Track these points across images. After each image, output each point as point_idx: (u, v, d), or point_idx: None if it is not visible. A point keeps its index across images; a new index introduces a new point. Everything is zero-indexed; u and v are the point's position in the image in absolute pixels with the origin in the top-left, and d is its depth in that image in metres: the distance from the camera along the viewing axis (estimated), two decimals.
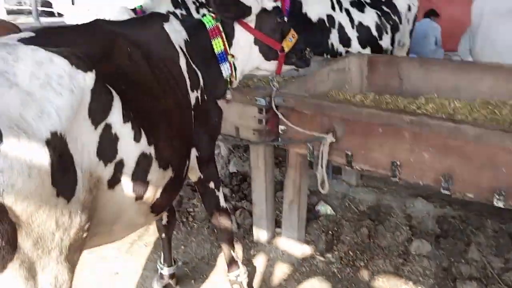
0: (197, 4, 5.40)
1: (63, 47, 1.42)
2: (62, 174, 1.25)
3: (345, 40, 4.24)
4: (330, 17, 4.16)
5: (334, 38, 4.20)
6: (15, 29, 3.76)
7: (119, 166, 1.54)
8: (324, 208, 3.64)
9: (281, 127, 2.82)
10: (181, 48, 2.13)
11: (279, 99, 2.72)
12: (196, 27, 2.35)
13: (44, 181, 1.18)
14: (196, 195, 3.74)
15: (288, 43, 2.55)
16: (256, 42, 2.45)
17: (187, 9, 5.28)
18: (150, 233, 3.36)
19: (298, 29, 3.71)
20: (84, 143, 1.37)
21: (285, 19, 3.64)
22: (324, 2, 4.18)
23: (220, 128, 2.45)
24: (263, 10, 2.45)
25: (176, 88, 1.98)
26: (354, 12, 4.31)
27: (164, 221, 2.68)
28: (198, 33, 2.32)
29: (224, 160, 4.33)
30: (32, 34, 1.53)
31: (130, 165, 1.58)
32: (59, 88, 1.28)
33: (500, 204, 2.17)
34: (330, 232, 3.32)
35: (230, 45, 2.36)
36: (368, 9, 4.39)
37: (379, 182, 3.98)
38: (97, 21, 1.89)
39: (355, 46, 4.28)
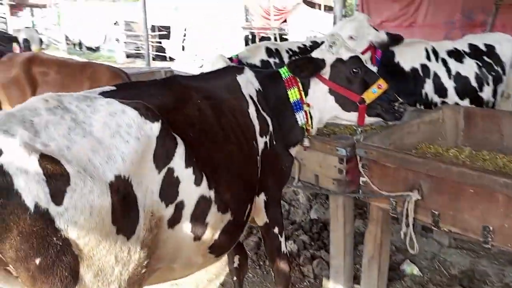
0: (291, 53, 5.61)
1: (137, 100, 1.59)
2: (124, 213, 1.38)
3: (441, 90, 4.06)
4: (424, 67, 4.03)
5: (428, 88, 4.05)
6: (122, 74, 4.23)
7: (179, 207, 1.66)
8: (410, 268, 3.40)
9: (362, 179, 2.74)
10: (251, 97, 2.25)
11: (360, 151, 2.67)
12: (271, 78, 2.47)
13: (105, 219, 1.32)
14: None
15: (371, 94, 2.43)
16: (331, 92, 2.43)
17: (281, 58, 5.50)
18: (227, 274, 3.40)
19: (389, 78, 3.68)
20: (148, 185, 1.51)
21: (372, 69, 3.63)
22: (418, 52, 4.07)
23: (289, 174, 2.48)
24: (338, 60, 2.41)
25: (241, 135, 2.08)
26: (451, 62, 4.13)
27: (236, 264, 2.72)
28: (273, 83, 2.44)
29: (305, 206, 4.29)
30: (113, 88, 1.75)
31: (189, 206, 1.69)
32: (127, 136, 1.45)
33: None
34: None
35: (306, 94, 2.41)
36: (467, 59, 4.17)
37: (475, 244, 3.63)
38: (175, 76, 2.09)
39: (452, 96, 4.07)
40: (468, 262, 3.44)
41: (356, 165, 2.75)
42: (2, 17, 27.44)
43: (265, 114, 2.29)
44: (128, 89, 1.86)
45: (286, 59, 5.56)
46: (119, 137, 1.43)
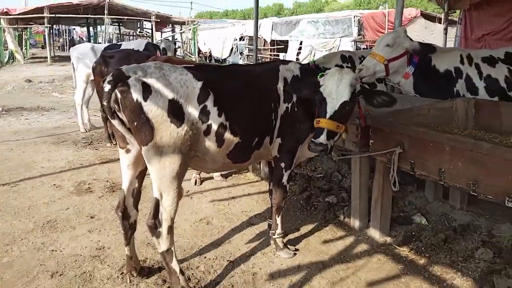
0: (363, 59, 6.77)
1: (196, 71, 3.08)
2: (174, 115, 2.86)
3: (472, 89, 4.95)
4: (457, 69, 4.96)
5: (460, 86, 4.97)
6: None
7: (209, 126, 3.07)
8: (419, 219, 4.43)
9: (370, 141, 3.95)
10: (285, 78, 3.54)
11: (369, 120, 3.88)
12: (314, 74, 3.57)
13: (163, 113, 2.84)
14: (323, 195, 5.08)
15: (314, 122, 3.26)
16: None
17: (353, 63, 6.72)
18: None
19: (424, 77, 4.79)
20: (192, 110, 2.97)
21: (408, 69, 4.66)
22: (453, 58, 5.02)
23: (303, 134, 3.58)
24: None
25: (260, 98, 3.37)
26: (484, 66, 4.98)
27: (271, 187, 4.00)
28: (313, 77, 3.49)
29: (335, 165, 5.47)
30: (193, 65, 3.29)
31: (214, 127, 3.09)
32: (183, 84, 2.95)
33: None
34: (413, 233, 4.15)
35: None
36: (499, 64, 4.98)
37: (486, 209, 4.52)
38: (234, 65, 3.55)
39: (482, 94, 4.93)
40: (469, 219, 4.35)
41: (366, 132, 3.97)
42: (148, 31, 32.50)
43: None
44: (199, 67, 3.32)
45: (357, 64, 6.76)
46: (179, 84, 2.94)
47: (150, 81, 2.87)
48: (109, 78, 2.84)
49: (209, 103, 3.05)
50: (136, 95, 2.81)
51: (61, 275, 3.49)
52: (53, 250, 3.90)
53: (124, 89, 2.81)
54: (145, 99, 2.82)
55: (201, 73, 3.11)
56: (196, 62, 6.64)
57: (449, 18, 20.55)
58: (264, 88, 3.48)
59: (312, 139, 3.17)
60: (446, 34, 12.91)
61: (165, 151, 2.92)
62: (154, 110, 2.84)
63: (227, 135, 3.18)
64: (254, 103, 3.36)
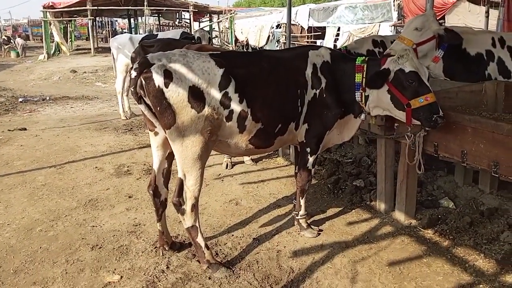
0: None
1: (220, 57, 3.19)
2: (194, 100, 2.98)
3: (505, 72, 4.85)
4: (489, 52, 4.88)
5: (491, 69, 4.88)
6: None
7: (231, 112, 3.17)
8: (447, 203, 4.43)
9: (395, 124, 3.99)
10: (314, 64, 3.53)
11: None
12: (347, 60, 3.65)
13: (184, 99, 2.97)
14: (351, 179, 5.15)
15: (417, 102, 3.25)
16: (389, 91, 3.34)
17: (385, 48, 6.66)
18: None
19: (455, 60, 4.75)
20: (213, 96, 3.06)
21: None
22: (484, 41, 4.92)
23: (331, 120, 3.60)
24: (400, 70, 3.30)
25: (287, 84, 3.41)
26: None
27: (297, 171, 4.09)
28: (345, 62, 3.60)
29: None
30: (219, 53, 3.41)
31: (236, 113, 3.18)
32: (205, 71, 3.06)
33: None
34: (439, 216, 4.16)
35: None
36: None
37: None
38: (262, 51, 3.65)
39: None
40: (498, 203, 4.30)
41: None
42: (187, 22, 33.06)
43: (321, 76, 3.54)
44: (224, 53, 3.45)
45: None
46: (201, 71, 3.06)
47: (173, 68, 3.00)
48: (135, 65, 3.04)
49: (231, 89, 3.14)
50: (158, 82, 2.96)
51: (100, 248, 3.79)
52: (93, 226, 4.22)
53: (147, 75, 2.97)
54: (166, 86, 2.97)
55: (224, 60, 3.20)
56: (227, 50, 6.78)
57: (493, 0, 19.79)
58: (291, 73, 3.50)
59: (438, 116, 3.25)
60: (487, 17, 12.45)
61: (187, 134, 3.07)
62: (175, 96, 2.99)
63: (249, 121, 3.26)
64: (278, 89, 3.40)
